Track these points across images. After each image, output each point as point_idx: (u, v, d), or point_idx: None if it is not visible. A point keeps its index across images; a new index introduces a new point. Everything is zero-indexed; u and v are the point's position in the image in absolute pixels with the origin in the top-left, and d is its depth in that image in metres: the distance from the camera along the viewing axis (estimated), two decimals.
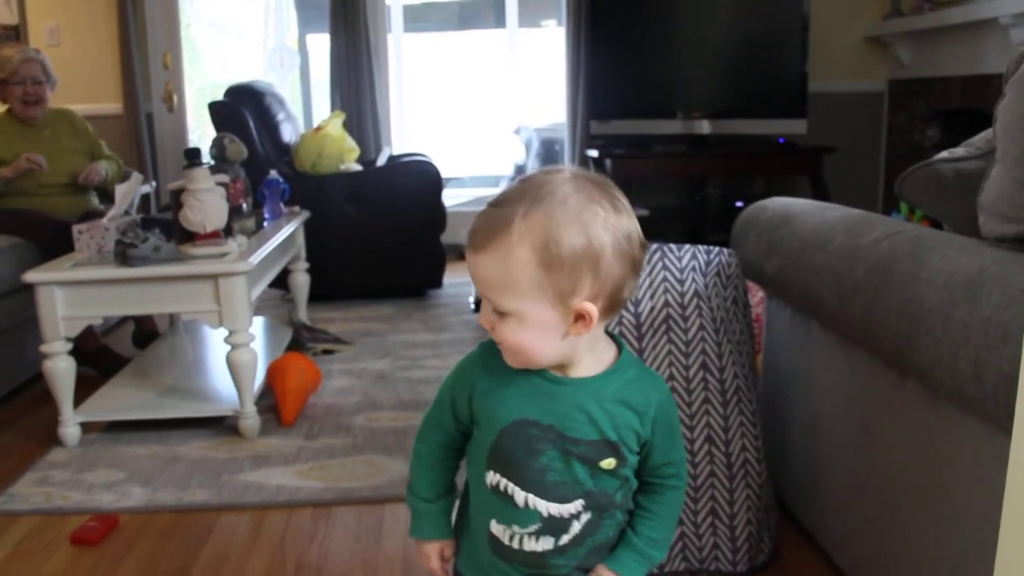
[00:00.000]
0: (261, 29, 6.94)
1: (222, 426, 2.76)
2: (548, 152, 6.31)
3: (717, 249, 1.83)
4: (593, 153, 5.07)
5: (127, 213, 3.22)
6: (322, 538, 2.07)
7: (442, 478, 1.20)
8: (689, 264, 1.79)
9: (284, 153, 4.53)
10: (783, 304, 2.01)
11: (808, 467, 1.89)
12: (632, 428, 1.09)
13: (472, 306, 3.95)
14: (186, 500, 2.27)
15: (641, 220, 1.04)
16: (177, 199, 2.70)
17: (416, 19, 6.46)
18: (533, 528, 1.09)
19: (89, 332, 3.14)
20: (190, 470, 2.45)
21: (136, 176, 3.24)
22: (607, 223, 0.99)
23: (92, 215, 3.35)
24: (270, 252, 2.98)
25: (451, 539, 1.21)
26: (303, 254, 3.91)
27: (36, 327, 2.59)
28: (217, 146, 3.33)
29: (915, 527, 1.44)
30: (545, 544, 1.10)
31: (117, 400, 2.81)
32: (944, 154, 1.59)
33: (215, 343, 3.47)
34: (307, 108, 6.34)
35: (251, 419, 2.67)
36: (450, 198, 5.29)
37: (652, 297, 1.76)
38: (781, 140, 4.94)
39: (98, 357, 3.29)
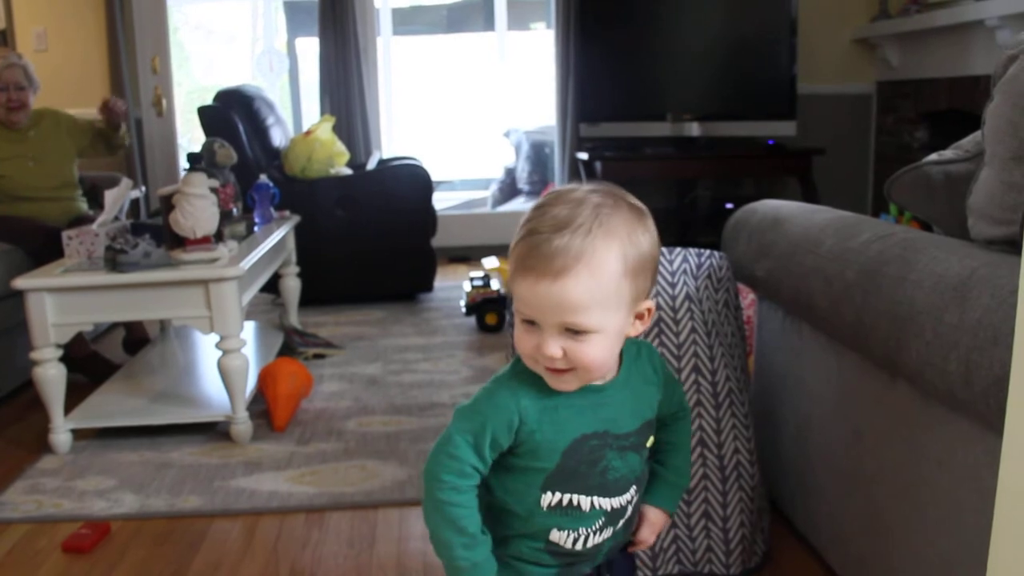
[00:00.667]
0: (249, 33, 6.93)
1: (214, 432, 2.75)
2: (538, 155, 6.33)
3: (708, 252, 1.84)
4: (583, 156, 5.07)
5: (117, 219, 3.21)
6: (315, 544, 2.06)
7: (480, 515, 1.12)
8: (680, 267, 1.80)
9: (274, 157, 4.53)
10: (774, 306, 2.02)
11: (800, 469, 1.90)
12: (655, 398, 1.17)
13: (464, 310, 3.94)
14: (178, 507, 2.26)
15: None
16: (168, 204, 2.69)
17: (405, 22, 6.47)
18: (598, 524, 1.13)
19: (79, 338, 3.13)
20: (182, 476, 2.45)
21: (126, 181, 3.23)
22: (649, 225, 1.06)
23: (82, 221, 3.35)
24: (261, 257, 2.98)
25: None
26: (293, 258, 3.90)
27: (26, 334, 2.58)
28: (207, 151, 3.31)
29: (906, 528, 1.44)
30: (606, 535, 1.15)
31: (108, 406, 2.80)
32: (933, 157, 1.60)
33: (206, 348, 3.46)
34: (296, 112, 6.34)
35: (243, 424, 2.67)
36: (440, 201, 5.30)
37: None
38: (770, 142, 4.95)
39: (88, 363, 3.28)
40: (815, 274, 1.62)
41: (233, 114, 4.30)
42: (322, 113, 5.23)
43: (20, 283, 2.51)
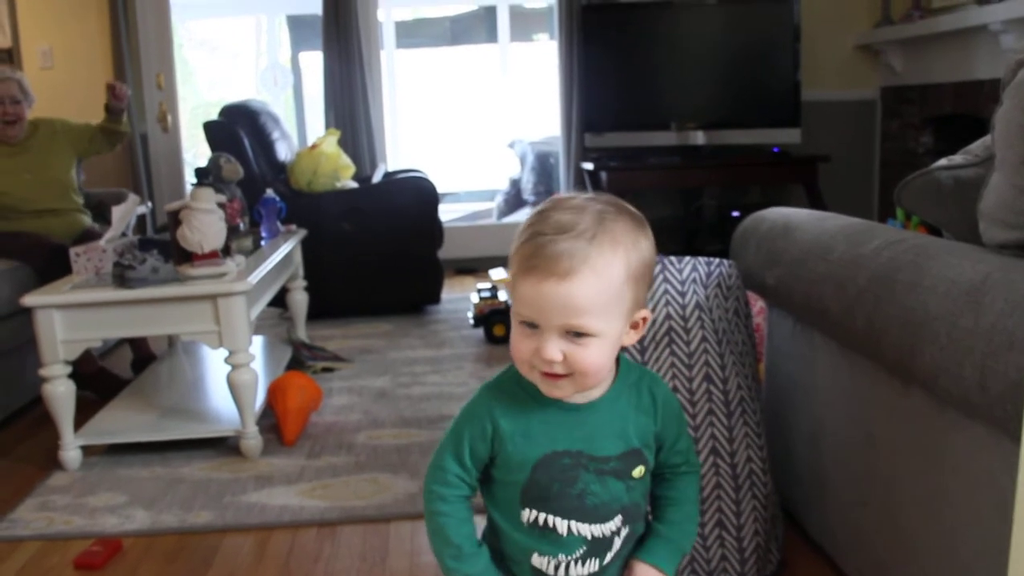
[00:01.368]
0: (253, 48, 6.96)
1: (224, 447, 2.75)
2: (543, 166, 6.33)
3: (717, 260, 1.84)
4: (588, 166, 5.08)
5: (124, 235, 3.22)
6: (327, 558, 2.06)
7: (474, 529, 1.16)
8: (690, 276, 1.80)
9: (280, 172, 4.54)
10: (785, 314, 2.01)
11: (813, 476, 1.89)
12: (649, 429, 1.14)
13: (471, 322, 3.94)
14: (189, 522, 2.26)
15: None
16: (175, 220, 2.70)
17: (408, 35, 6.49)
18: (579, 553, 1.11)
19: (87, 355, 3.13)
20: (193, 492, 2.44)
21: (133, 198, 3.24)
22: (648, 233, 1.07)
23: (89, 237, 3.35)
24: (268, 271, 2.98)
25: None
26: (301, 272, 3.90)
27: (35, 351, 2.58)
28: (213, 166, 3.33)
29: (921, 535, 1.44)
30: (591, 567, 1.12)
31: (117, 422, 2.80)
32: (943, 162, 1.59)
33: (214, 363, 3.46)
34: (301, 126, 6.36)
35: (253, 439, 2.67)
36: (446, 213, 5.30)
37: (654, 310, 1.77)
38: (775, 149, 4.95)
39: (97, 380, 3.28)
40: (826, 281, 1.62)
41: (239, 129, 4.31)
42: (327, 127, 5.24)
43: (29, 300, 2.51)
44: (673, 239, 5.21)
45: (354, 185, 4.53)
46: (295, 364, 3.50)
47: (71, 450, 2.63)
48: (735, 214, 5.03)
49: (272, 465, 2.60)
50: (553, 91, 5.43)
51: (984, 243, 1.38)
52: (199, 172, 2.70)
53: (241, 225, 3.24)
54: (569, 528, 1.10)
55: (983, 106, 4.06)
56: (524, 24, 6.46)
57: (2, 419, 3.10)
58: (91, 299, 2.54)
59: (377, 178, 4.77)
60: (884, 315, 1.39)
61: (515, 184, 6.65)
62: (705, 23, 5.07)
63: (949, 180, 1.57)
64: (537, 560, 1.12)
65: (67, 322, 2.54)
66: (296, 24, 6.59)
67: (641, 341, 1.76)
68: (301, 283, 3.90)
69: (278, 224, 3.62)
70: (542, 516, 1.09)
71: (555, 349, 1.01)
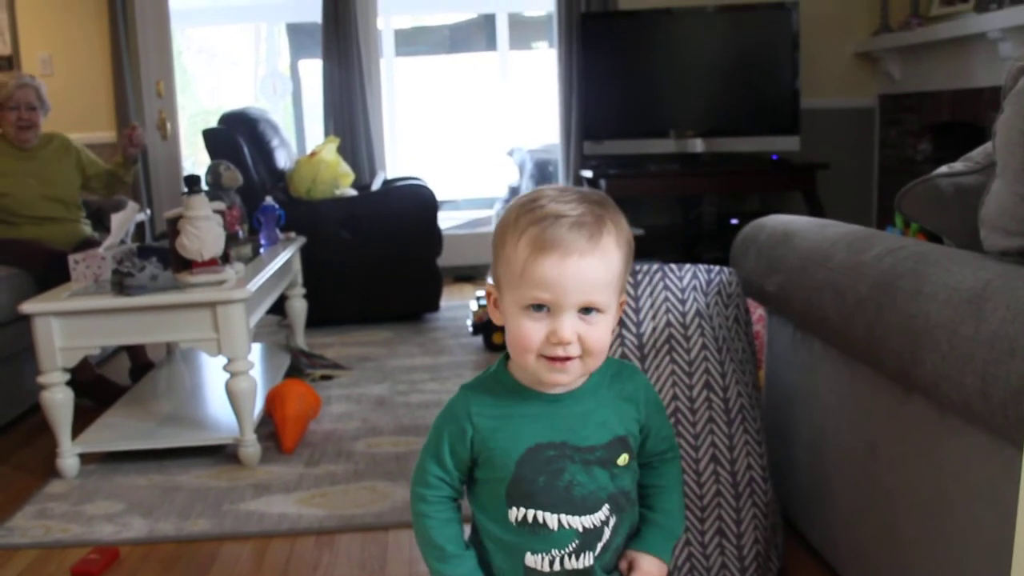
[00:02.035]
0: (253, 55, 6.96)
1: (222, 454, 2.74)
2: (542, 173, 6.33)
3: (717, 268, 1.83)
4: (587, 173, 5.08)
5: (123, 242, 3.21)
6: (326, 566, 2.05)
7: (459, 529, 1.16)
8: (690, 284, 1.79)
9: (279, 179, 4.54)
10: (785, 321, 2.01)
11: (814, 484, 1.89)
12: (633, 418, 1.15)
13: (470, 329, 3.94)
14: (187, 530, 2.25)
15: (636, 239, 1.12)
16: (174, 227, 2.69)
17: (408, 43, 6.49)
18: (572, 547, 1.11)
19: (84, 363, 3.12)
20: (191, 500, 2.44)
21: (132, 205, 3.24)
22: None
23: (87, 244, 3.35)
24: (267, 279, 2.98)
25: None
26: (300, 280, 3.90)
27: (33, 358, 2.57)
28: (212, 173, 3.33)
29: (923, 542, 1.43)
30: (585, 560, 1.12)
31: (115, 430, 2.79)
32: (943, 169, 1.59)
33: (213, 371, 3.45)
34: (300, 134, 6.36)
35: (251, 447, 2.66)
36: (445, 221, 5.29)
37: (654, 318, 1.76)
38: (774, 157, 4.96)
39: (95, 387, 3.28)
40: (827, 288, 1.61)
41: (238, 136, 4.31)
42: (326, 134, 5.24)
43: (27, 307, 2.51)
44: (672, 247, 5.21)
45: (353, 193, 4.53)
46: (294, 372, 3.50)
47: (69, 458, 2.62)
48: (734, 222, 5.03)
49: (270, 473, 2.60)
50: (552, 99, 5.43)
51: (985, 250, 1.38)
52: (188, 180, 2.68)
53: (240, 232, 3.24)
54: (559, 522, 1.09)
55: (982, 114, 4.07)
56: (523, 32, 6.47)
57: (0, 427, 3.09)
58: (89, 306, 2.53)
59: (376, 186, 4.77)
60: (885, 322, 1.39)
61: (514, 192, 6.64)
62: (704, 31, 5.07)
63: (950, 187, 1.56)
64: (531, 559, 1.11)
65: (65, 329, 2.53)
66: (295, 32, 6.59)
67: (641, 348, 1.76)
68: (300, 291, 3.89)
69: (277, 231, 3.62)
70: (531, 513, 1.09)
71: (571, 329, 1.02)
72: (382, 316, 4.49)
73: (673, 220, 5.47)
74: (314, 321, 4.13)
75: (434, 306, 4.54)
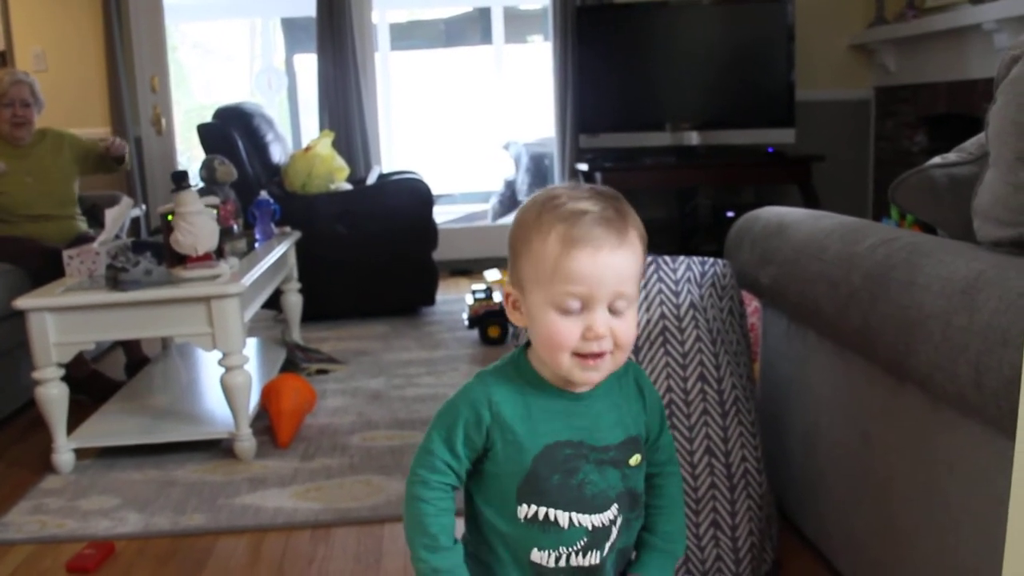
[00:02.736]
0: (248, 51, 6.95)
1: (217, 449, 2.74)
2: (538, 167, 6.33)
3: (712, 260, 1.83)
4: (583, 167, 5.07)
5: (117, 237, 3.21)
6: (321, 559, 2.05)
7: (453, 523, 1.12)
8: (684, 276, 1.79)
9: (274, 174, 4.53)
10: (779, 313, 2.01)
11: (808, 476, 1.89)
12: (641, 418, 1.15)
13: (466, 323, 3.94)
14: (183, 525, 2.25)
15: None
16: (167, 222, 2.69)
17: (403, 37, 6.48)
18: (580, 545, 1.10)
19: (79, 358, 3.12)
20: (186, 494, 2.44)
21: (126, 200, 3.23)
22: None
23: (83, 240, 3.34)
24: (262, 273, 2.97)
25: None
26: (295, 274, 3.89)
27: (29, 354, 2.57)
28: (207, 168, 3.32)
29: (917, 533, 1.43)
30: (592, 558, 1.11)
31: (111, 425, 2.79)
32: (937, 160, 1.59)
33: (208, 366, 3.45)
34: (295, 128, 6.35)
35: (247, 441, 2.66)
36: (441, 215, 5.29)
37: (648, 310, 1.76)
38: (770, 149, 4.95)
39: (90, 383, 3.27)
40: (820, 279, 1.61)
41: (232, 131, 4.30)
42: (321, 129, 5.23)
43: (21, 303, 2.50)
44: (668, 239, 5.21)
45: (348, 187, 4.52)
46: (289, 366, 3.49)
47: (64, 453, 2.62)
48: (730, 214, 5.03)
49: (266, 467, 2.59)
50: (548, 92, 5.42)
51: (978, 241, 1.38)
52: (175, 177, 2.67)
53: (235, 227, 3.23)
54: (571, 520, 1.08)
55: (977, 105, 4.06)
56: (519, 26, 6.46)
57: None
58: (84, 302, 2.53)
59: (371, 180, 4.76)
60: (878, 313, 1.39)
61: (510, 186, 6.64)
62: (699, 24, 5.07)
63: (943, 178, 1.56)
64: (537, 555, 1.10)
65: (60, 325, 2.53)
66: (290, 27, 6.58)
67: (636, 340, 1.75)
68: (295, 285, 3.89)
69: (272, 226, 3.61)
70: (542, 510, 1.08)
71: (605, 323, 1.02)
72: (378, 310, 4.48)
73: (669, 213, 5.47)
74: (310, 315, 4.13)
75: (430, 300, 4.53)
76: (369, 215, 4.34)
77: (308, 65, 5.73)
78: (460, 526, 1.16)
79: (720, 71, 5.05)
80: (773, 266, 1.84)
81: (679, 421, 1.74)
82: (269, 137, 4.64)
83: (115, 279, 2.55)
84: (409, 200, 4.42)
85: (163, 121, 5.37)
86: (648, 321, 1.76)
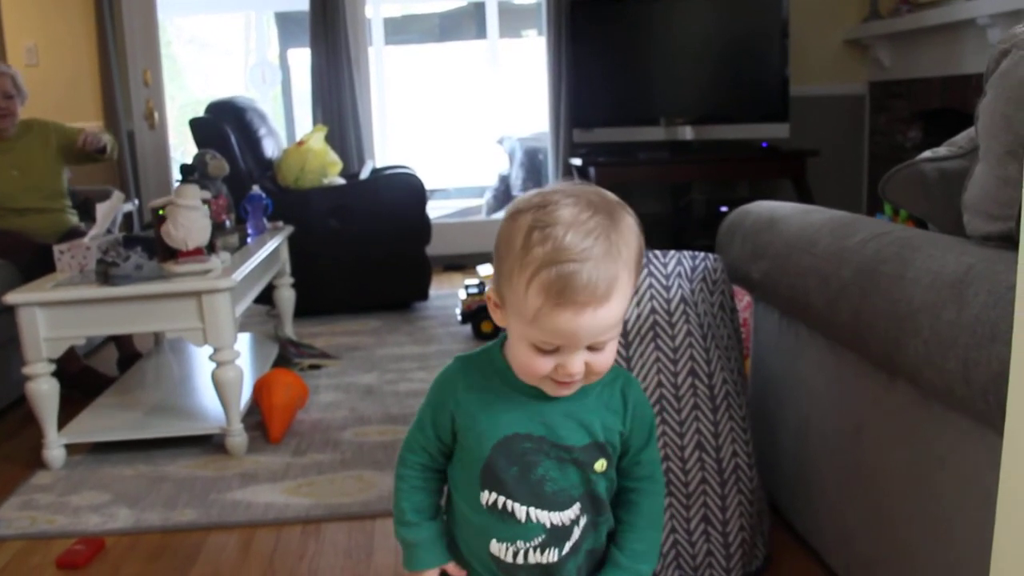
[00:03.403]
0: (242, 45, 6.94)
1: (209, 444, 2.73)
2: (532, 162, 6.32)
3: (702, 254, 1.83)
4: (577, 161, 5.07)
5: (109, 232, 3.19)
6: (312, 555, 2.04)
7: (428, 500, 1.17)
8: (675, 270, 1.79)
9: (267, 168, 4.51)
10: (770, 308, 2.00)
11: (799, 471, 1.89)
12: (616, 428, 1.12)
13: (459, 318, 3.93)
14: (173, 520, 2.24)
15: None
16: (159, 217, 2.68)
17: (397, 31, 6.47)
18: (538, 541, 1.10)
19: (71, 353, 3.11)
20: (177, 490, 2.43)
21: (117, 195, 3.21)
22: (634, 220, 1.03)
23: (73, 235, 3.33)
24: (254, 268, 2.96)
25: (451, 561, 1.17)
26: (288, 269, 3.88)
27: (19, 349, 2.56)
28: (199, 162, 3.30)
29: (908, 527, 1.43)
30: (550, 556, 1.11)
31: (102, 421, 2.78)
32: (927, 154, 1.59)
33: (200, 361, 3.44)
34: (289, 123, 6.34)
35: (238, 437, 2.65)
36: (435, 210, 5.28)
37: (638, 304, 1.76)
38: (764, 144, 4.95)
39: (82, 378, 3.26)
40: (811, 274, 1.61)
41: (225, 125, 4.29)
42: (315, 123, 5.22)
43: (11, 298, 2.49)
44: (661, 234, 5.20)
45: (342, 182, 4.51)
46: (282, 361, 3.49)
47: (55, 449, 2.61)
48: (723, 209, 5.02)
49: (257, 463, 2.59)
50: (542, 87, 5.41)
51: (968, 235, 1.37)
52: (184, 168, 2.68)
53: (227, 222, 3.22)
54: (528, 514, 1.08)
55: (971, 100, 4.06)
56: (513, 20, 6.45)
57: None
58: (74, 296, 2.51)
59: (365, 175, 4.75)
60: (869, 308, 1.39)
61: (504, 180, 6.64)
62: (693, 18, 5.06)
63: (934, 172, 1.56)
64: (495, 547, 1.10)
65: (50, 320, 2.52)
66: (284, 21, 6.56)
67: (626, 336, 1.75)
68: (288, 280, 3.88)
69: (264, 221, 3.60)
70: (501, 500, 1.08)
71: (581, 363, 1.00)
72: (371, 305, 4.48)
73: (663, 208, 5.46)
74: (302, 310, 4.12)
75: (423, 295, 4.53)
76: (362, 210, 4.33)
77: (302, 59, 5.72)
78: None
79: (714, 66, 5.04)
80: (764, 260, 1.84)
81: (670, 416, 1.74)
82: (262, 131, 4.62)
83: (105, 274, 2.54)
84: (403, 195, 4.41)
85: (156, 115, 5.35)
86: (639, 316, 1.75)
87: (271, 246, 3.36)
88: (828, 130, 5.30)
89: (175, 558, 2.06)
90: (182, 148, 5.99)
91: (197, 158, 3.33)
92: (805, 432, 1.84)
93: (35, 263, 3.07)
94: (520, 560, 1.10)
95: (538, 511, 1.08)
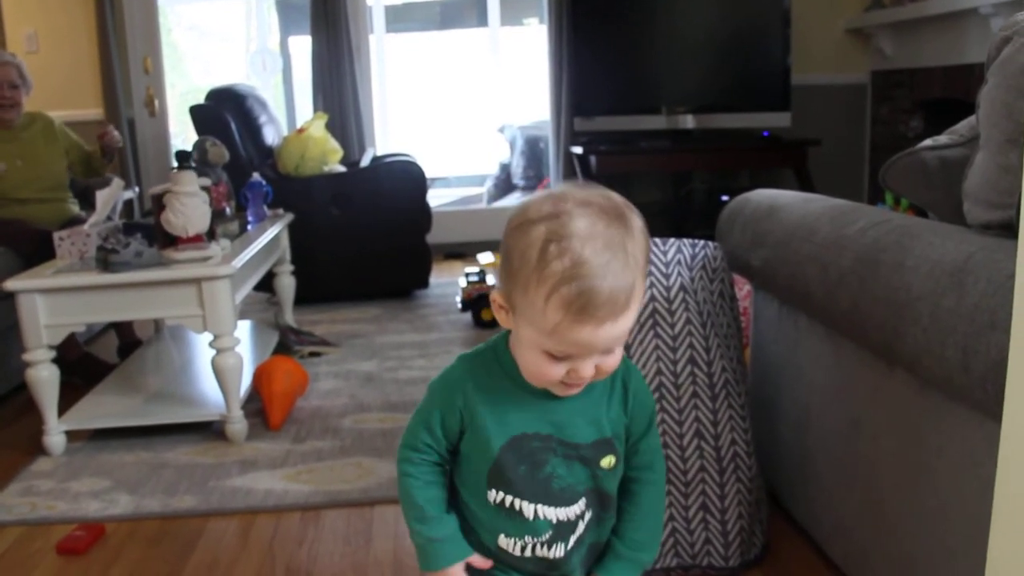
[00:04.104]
0: (243, 32, 6.92)
1: (209, 431, 2.74)
2: (532, 150, 6.32)
3: (702, 242, 1.82)
4: (577, 150, 5.06)
5: (109, 219, 3.19)
6: (311, 541, 2.05)
7: (441, 494, 1.15)
8: (674, 258, 1.78)
9: (267, 156, 4.51)
10: (770, 296, 2.00)
11: (798, 459, 1.89)
12: (621, 421, 1.12)
13: (459, 306, 3.93)
14: (173, 507, 2.25)
15: None
16: (159, 204, 2.67)
17: (398, 19, 6.45)
18: (546, 536, 1.10)
19: (71, 340, 3.11)
20: (177, 476, 2.43)
21: (117, 182, 3.21)
22: (641, 222, 1.02)
23: (75, 223, 3.32)
24: (254, 255, 2.96)
25: (475, 553, 1.15)
26: (288, 256, 3.88)
27: (19, 336, 2.56)
28: (199, 150, 3.30)
29: (906, 516, 1.43)
30: (558, 551, 1.11)
31: (102, 407, 2.79)
32: (928, 142, 1.58)
33: (201, 348, 3.44)
34: (290, 110, 6.32)
35: (238, 423, 2.65)
36: (435, 198, 5.28)
37: None
38: (765, 133, 4.94)
39: (82, 365, 3.26)
40: (811, 262, 1.61)
41: (225, 113, 4.28)
42: (315, 111, 5.21)
43: (11, 284, 2.49)
44: (662, 223, 5.19)
45: (342, 169, 4.50)
46: (282, 349, 3.49)
47: (55, 435, 2.62)
48: (724, 198, 5.02)
49: (257, 449, 2.59)
50: (543, 75, 5.40)
51: (968, 223, 1.37)
52: (180, 155, 2.67)
53: (227, 209, 3.22)
54: (536, 512, 1.08)
55: (973, 90, 4.02)
56: (514, 8, 6.42)
57: None
58: (74, 283, 2.51)
59: (365, 162, 4.74)
60: (868, 296, 1.39)
61: (505, 168, 6.63)
62: (695, 7, 5.04)
63: (934, 160, 1.56)
64: (504, 541, 1.11)
65: (50, 306, 2.52)
66: (285, 8, 6.54)
67: None
68: (288, 267, 3.88)
69: (264, 208, 3.59)
70: (508, 498, 1.08)
71: (592, 368, 1.00)
72: (371, 293, 4.48)
73: (664, 197, 5.46)
74: (303, 298, 4.12)
75: (424, 283, 4.53)
76: (363, 198, 4.33)
77: (303, 47, 5.70)
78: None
79: (716, 55, 5.03)
80: (764, 249, 1.84)
81: (669, 404, 1.74)
82: (262, 119, 4.61)
83: (105, 261, 2.54)
84: (403, 183, 4.41)
85: (156, 102, 5.35)
86: None
87: (271, 233, 3.36)
88: (830, 119, 5.29)
89: (175, 544, 2.07)
90: (182, 135, 5.98)
91: (197, 145, 3.33)
92: (804, 421, 1.84)
93: (36, 251, 3.07)
94: (528, 553, 1.11)
95: (545, 508, 1.09)
